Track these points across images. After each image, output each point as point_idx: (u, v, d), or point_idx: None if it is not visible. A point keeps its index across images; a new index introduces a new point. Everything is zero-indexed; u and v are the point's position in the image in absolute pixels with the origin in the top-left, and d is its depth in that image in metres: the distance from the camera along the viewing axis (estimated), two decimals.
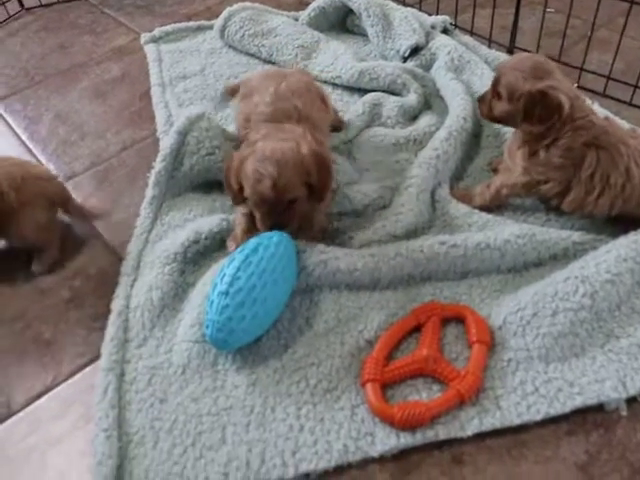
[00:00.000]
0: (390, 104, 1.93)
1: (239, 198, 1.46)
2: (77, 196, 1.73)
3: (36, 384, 1.37)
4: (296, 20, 2.40)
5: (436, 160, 1.67)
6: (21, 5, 2.85)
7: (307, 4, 2.47)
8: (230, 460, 1.19)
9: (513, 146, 1.55)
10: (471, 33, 2.27)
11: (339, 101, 2.02)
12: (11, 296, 1.56)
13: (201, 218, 1.64)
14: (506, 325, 1.34)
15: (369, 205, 1.63)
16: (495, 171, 1.70)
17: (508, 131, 1.74)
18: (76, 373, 1.39)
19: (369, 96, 1.97)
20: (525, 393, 1.24)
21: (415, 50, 2.12)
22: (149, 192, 1.72)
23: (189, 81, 2.20)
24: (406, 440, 1.19)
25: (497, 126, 1.81)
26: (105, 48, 2.51)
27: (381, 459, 1.19)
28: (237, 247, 1.44)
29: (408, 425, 1.20)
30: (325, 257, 1.43)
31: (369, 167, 1.76)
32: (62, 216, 1.70)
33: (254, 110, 1.60)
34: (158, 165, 1.72)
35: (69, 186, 1.76)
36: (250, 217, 1.49)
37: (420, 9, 2.41)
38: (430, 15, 2.35)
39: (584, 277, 1.35)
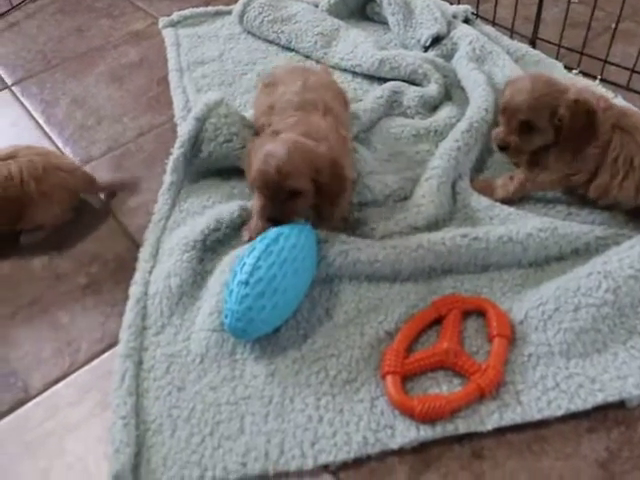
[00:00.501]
0: (410, 94, 1.91)
1: None
2: None
3: (53, 370, 1.37)
4: (316, 7, 2.37)
5: (457, 152, 1.65)
6: None
7: None
8: (249, 450, 1.18)
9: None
10: (493, 23, 2.24)
11: (359, 90, 2.00)
12: (28, 282, 1.56)
13: (220, 205, 1.63)
14: (527, 319, 1.33)
15: (390, 196, 1.61)
16: (517, 164, 1.68)
17: None
18: (93, 359, 1.39)
19: (390, 84, 1.95)
20: (546, 388, 1.23)
21: (436, 39, 2.09)
22: (167, 178, 1.71)
23: (207, 66, 2.19)
24: (426, 433, 1.18)
25: None
26: (122, 32, 2.49)
27: (400, 452, 1.18)
28: (250, 237, 1.45)
29: (428, 418, 1.19)
30: (346, 247, 1.42)
31: (389, 158, 1.74)
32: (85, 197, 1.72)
33: (279, 99, 1.59)
34: (176, 151, 1.71)
35: (86, 170, 1.75)
36: None
37: None
38: (452, 4, 2.32)
39: (607, 272, 1.33)
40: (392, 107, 1.92)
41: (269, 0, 2.31)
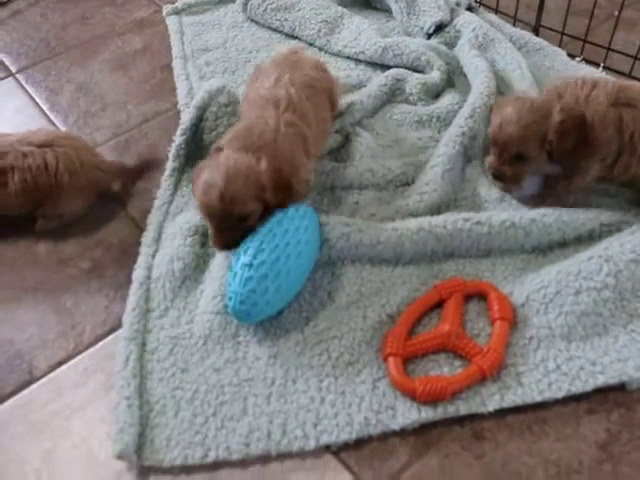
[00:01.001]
0: (413, 81, 1.90)
1: None
2: None
3: (58, 352, 1.38)
4: None
5: (462, 137, 1.65)
6: None
7: None
8: (251, 431, 1.19)
9: None
10: (496, 11, 2.24)
11: (362, 76, 2.00)
12: (32, 266, 1.56)
13: None
14: (529, 303, 1.33)
15: (392, 181, 1.62)
16: (506, 189, 1.66)
17: None
18: (97, 342, 1.39)
19: (393, 70, 1.95)
20: (547, 370, 1.24)
21: (439, 27, 2.09)
22: (169, 164, 1.71)
23: (211, 54, 2.19)
24: (427, 414, 1.19)
25: None
26: (126, 20, 2.48)
27: (402, 433, 1.19)
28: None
29: (429, 399, 1.20)
30: (348, 230, 1.42)
31: (392, 144, 1.75)
32: None
33: (254, 92, 1.57)
34: (178, 139, 1.72)
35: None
36: None
37: None
38: None
39: (608, 256, 1.34)
40: (395, 94, 1.91)
41: None
